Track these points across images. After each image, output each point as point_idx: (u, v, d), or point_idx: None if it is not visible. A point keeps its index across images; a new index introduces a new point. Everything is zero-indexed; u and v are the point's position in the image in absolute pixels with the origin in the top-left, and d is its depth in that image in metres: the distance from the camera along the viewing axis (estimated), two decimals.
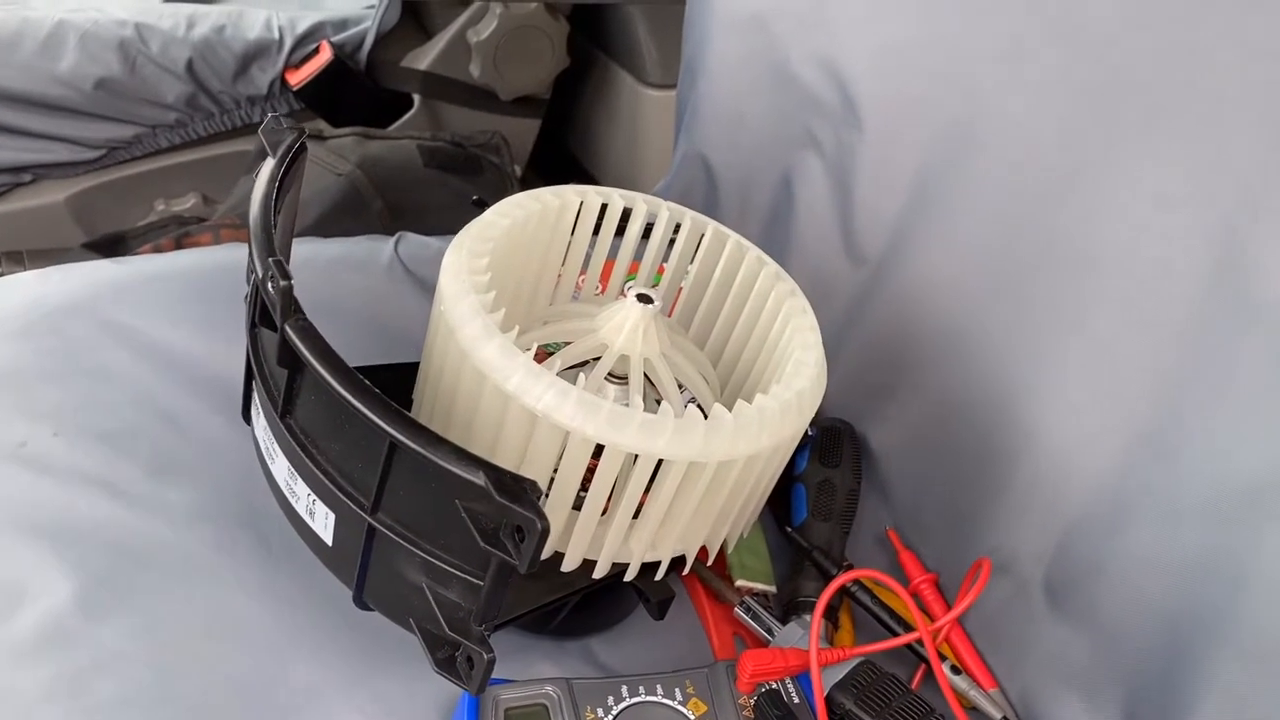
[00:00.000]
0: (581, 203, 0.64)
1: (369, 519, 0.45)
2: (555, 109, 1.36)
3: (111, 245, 1.10)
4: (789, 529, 0.69)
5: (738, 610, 0.64)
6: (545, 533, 0.40)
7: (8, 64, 1.06)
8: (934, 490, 0.69)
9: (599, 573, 0.54)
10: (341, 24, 1.21)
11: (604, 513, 0.52)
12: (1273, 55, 0.52)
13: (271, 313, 0.45)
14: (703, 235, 0.66)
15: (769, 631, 0.62)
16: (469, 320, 0.50)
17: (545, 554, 0.52)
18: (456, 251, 0.54)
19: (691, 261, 0.68)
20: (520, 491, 0.40)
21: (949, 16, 0.67)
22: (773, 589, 0.68)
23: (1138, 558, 0.56)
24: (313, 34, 1.19)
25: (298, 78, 1.17)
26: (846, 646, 0.59)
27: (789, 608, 0.66)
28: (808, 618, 0.63)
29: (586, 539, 0.52)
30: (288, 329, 0.44)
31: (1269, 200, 0.51)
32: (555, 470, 0.50)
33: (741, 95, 0.82)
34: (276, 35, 1.17)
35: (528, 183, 1.35)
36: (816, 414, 0.77)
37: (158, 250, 0.96)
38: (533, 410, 0.47)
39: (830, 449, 0.72)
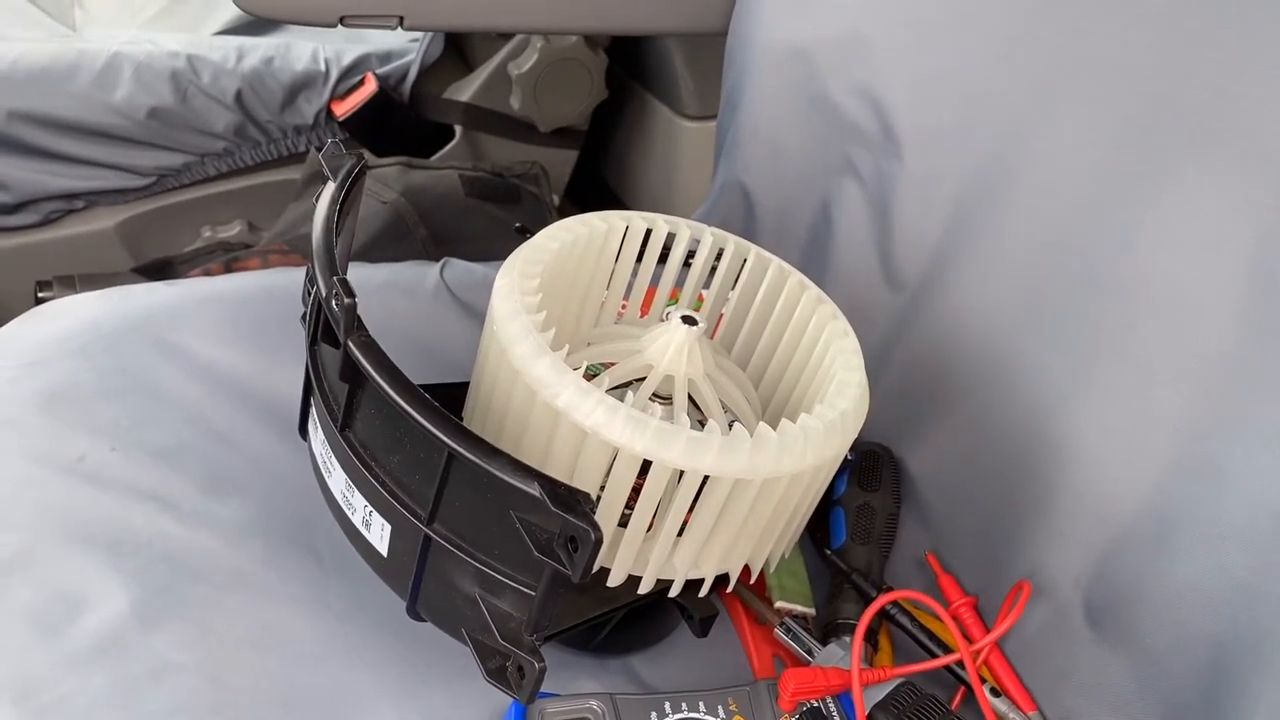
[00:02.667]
0: (627, 227, 0.65)
1: (425, 529, 0.46)
2: (592, 140, 1.38)
3: (160, 270, 1.13)
4: (828, 552, 0.70)
5: (778, 631, 0.64)
6: (598, 543, 0.41)
7: (64, 93, 1.09)
8: (973, 513, 0.70)
9: (644, 588, 0.54)
10: (386, 56, 1.24)
11: (649, 529, 0.53)
12: None
13: (335, 329, 0.46)
14: (745, 260, 0.68)
15: (809, 652, 0.63)
16: (521, 339, 0.51)
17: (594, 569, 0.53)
18: (509, 273, 0.56)
19: (734, 287, 0.69)
20: (574, 502, 0.41)
21: (988, 47, 0.69)
22: (812, 611, 0.69)
23: (1179, 581, 0.56)
24: (358, 66, 1.22)
25: (343, 108, 1.20)
26: (887, 667, 0.60)
27: (828, 630, 0.67)
28: (848, 639, 0.63)
29: (632, 555, 0.53)
30: (351, 344, 0.45)
31: None
32: (602, 487, 0.51)
33: (781, 124, 0.83)
34: (323, 67, 1.20)
35: (565, 212, 1.37)
36: (856, 438, 0.78)
37: (207, 274, 0.98)
38: (582, 426, 0.48)
39: (869, 473, 0.73)
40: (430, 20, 0.84)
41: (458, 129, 1.27)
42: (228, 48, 1.17)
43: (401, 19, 0.79)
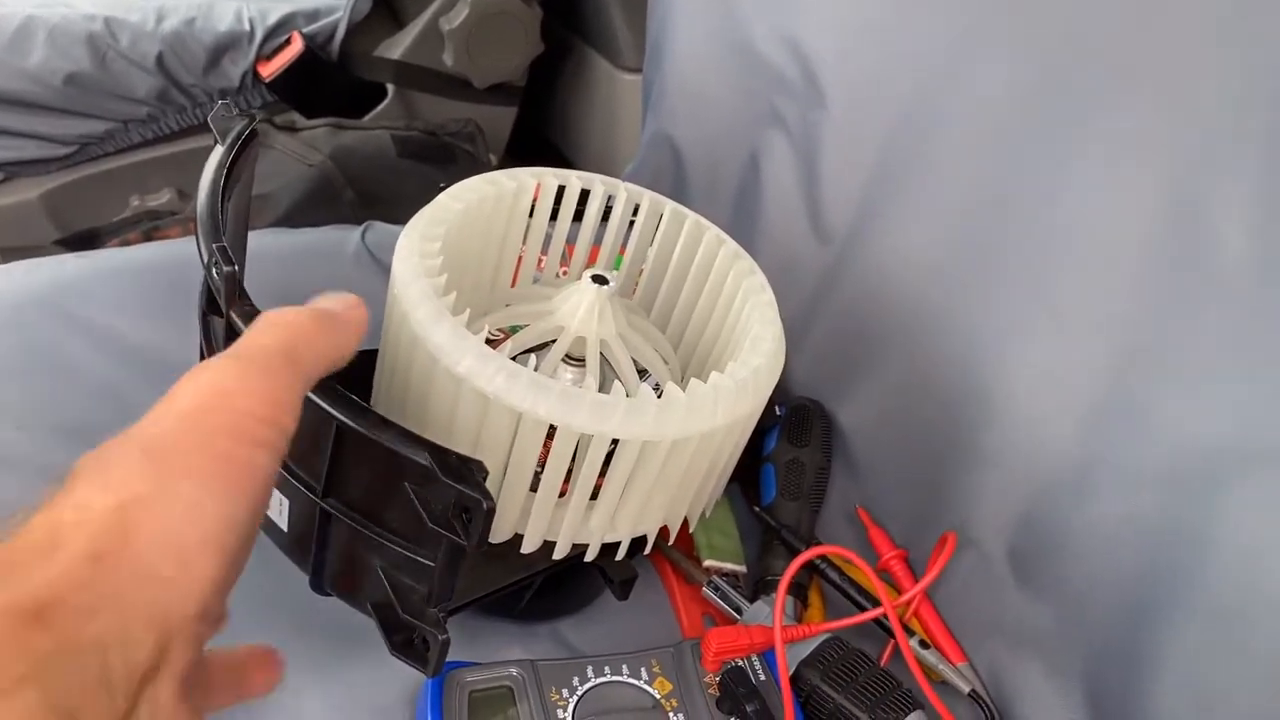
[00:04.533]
0: (538, 185, 0.63)
1: (320, 503, 0.45)
2: (532, 95, 1.35)
3: (85, 242, 1.10)
4: (757, 509, 0.69)
5: (706, 590, 0.64)
6: (491, 512, 0.40)
7: None
8: (902, 466, 0.69)
9: (558, 554, 0.53)
10: (313, 14, 1.21)
11: (562, 494, 0.52)
12: (1229, 21, 0.52)
13: (217, 299, 0.45)
14: (661, 215, 0.66)
15: (737, 610, 0.63)
16: (420, 304, 0.49)
17: (505, 536, 0.52)
18: (409, 235, 0.54)
19: (651, 243, 0.68)
20: (466, 472, 0.40)
21: None
22: (742, 569, 0.68)
23: (1100, 528, 0.56)
24: (284, 25, 1.19)
25: (269, 69, 1.17)
26: (812, 623, 0.59)
27: (759, 587, 0.66)
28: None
29: (545, 520, 0.52)
30: (233, 315, 0.44)
31: (1224, 168, 0.51)
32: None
33: (706, 74, 0.82)
34: (247, 27, 1.17)
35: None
36: (785, 393, 0.78)
37: (125, 244, 0.95)
38: (484, 392, 0.47)
39: (799, 428, 0.72)
40: None
41: (390, 88, 1.25)
42: (147, 9, 1.13)
43: None
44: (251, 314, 0.44)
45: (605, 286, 0.56)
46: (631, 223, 0.67)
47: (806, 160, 0.76)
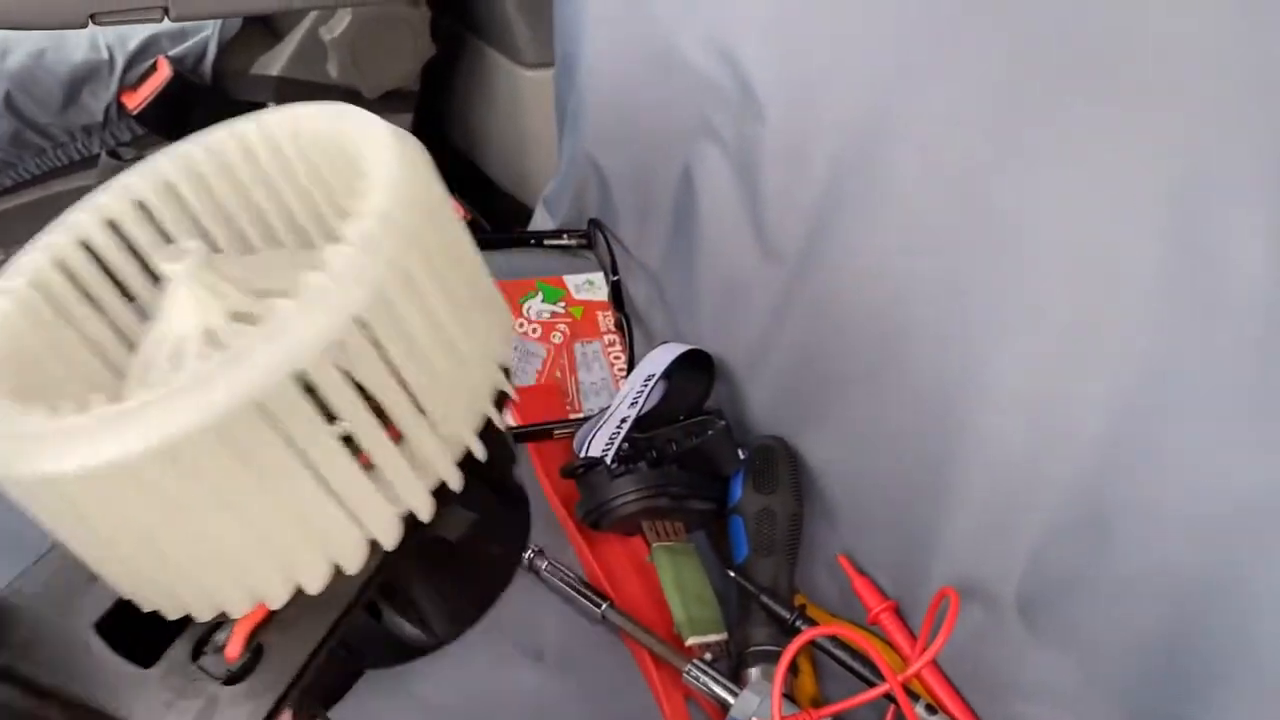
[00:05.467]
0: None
1: None
2: (429, 99, 1.26)
3: None
4: (731, 573, 0.63)
5: (687, 676, 0.58)
6: None
7: None
8: (883, 506, 0.64)
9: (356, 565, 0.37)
10: (180, 35, 1.09)
11: None
12: (1224, 22, 0.46)
13: None
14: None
15: (727, 693, 0.57)
16: None
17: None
18: None
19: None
20: None
21: None
22: (724, 636, 0.62)
23: (1120, 574, 0.51)
24: (147, 49, 1.07)
25: (135, 100, 1.05)
26: (811, 711, 0.53)
27: (741, 660, 0.61)
28: (764, 681, 0.57)
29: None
30: None
31: (1226, 175, 0.46)
32: None
33: (626, 87, 0.74)
34: (105, 55, 1.05)
35: None
36: (745, 431, 0.71)
37: None
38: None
39: (765, 472, 0.66)
40: (202, 7, 0.71)
41: (271, 107, 1.14)
42: None
43: (166, 9, 0.66)
44: None
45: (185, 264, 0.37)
46: None
47: (746, 175, 0.69)
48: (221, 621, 0.39)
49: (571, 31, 0.76)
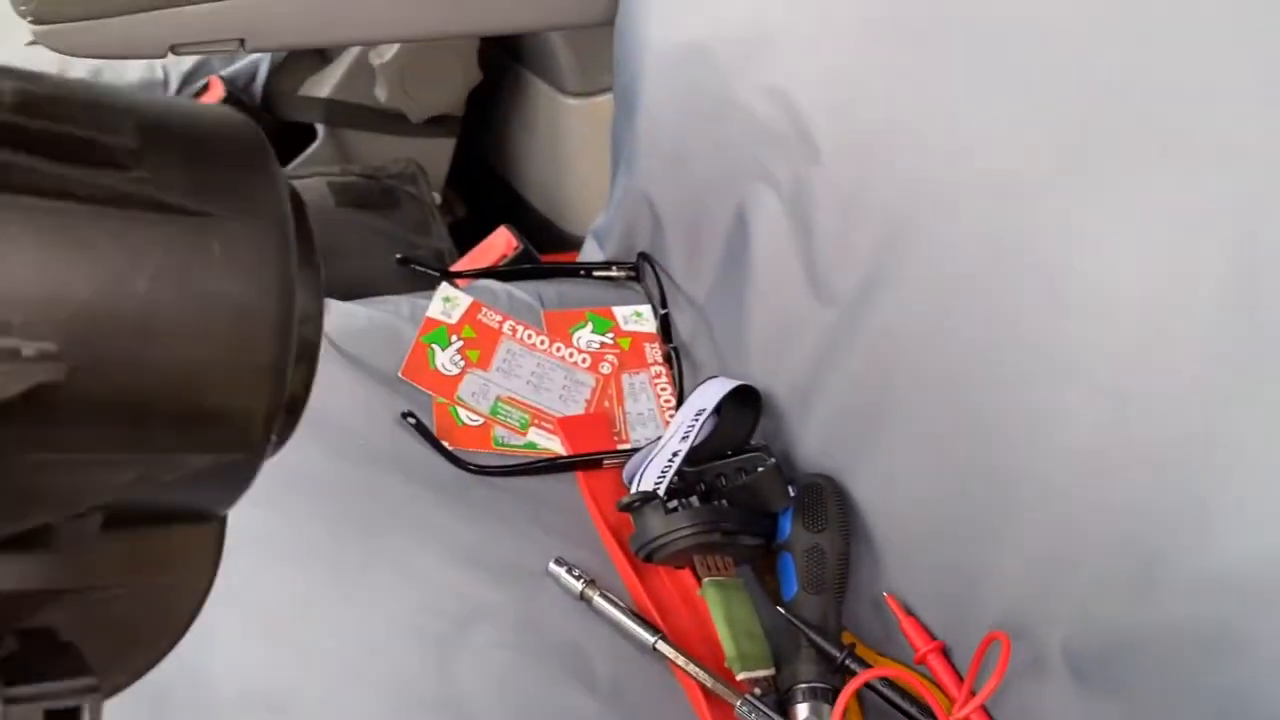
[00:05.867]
0: None
1: None
2: (472, 122, 1.28)
3: None
4: (780, 609, 0.64)
5: (739, 711, 0.59)
6: None
7: None
8: (931, 547, 0.65)
9: None
10: (232, 55, 1.12)
11: None
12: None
13: None
14: None
15: None
16: None
17: None
18: None
19: None
20: None
21: (914, 43, 0.62)
22: (772, 671, 0.64)
23: (1169, 628, 0.52)
24: (200, 69, 1.10)
25: None
26: None
27: (788, 695, 0.62)
28: (813, 718, 0.58)
29: None
30: None
31: None
32: None
33: (684, 129, 0.76)
34: (160, 74, 1.08)
35: (450, 206, 1.28)
36: (793, 468, 0.73)
37: None
38: None
39: (814, 510, 0.68)
40: (278, 39, 0.73)
41: (320, 128, 1.16)
42: (44, 63, 1.03)
43: (243, 41, 0.68)
44: None
45: None
46: None
47: (801, 218, 0.70)
48: None
49: (631, 69, 0.78)
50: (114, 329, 0.20)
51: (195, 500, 0.25)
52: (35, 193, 0.20)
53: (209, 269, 0.21)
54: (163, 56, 0.67)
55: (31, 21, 0.66)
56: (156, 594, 0.27)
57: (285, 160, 1.14)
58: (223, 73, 1.10)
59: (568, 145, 1.23)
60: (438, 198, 1.18)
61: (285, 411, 0.23)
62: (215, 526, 0.27)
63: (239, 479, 0.24)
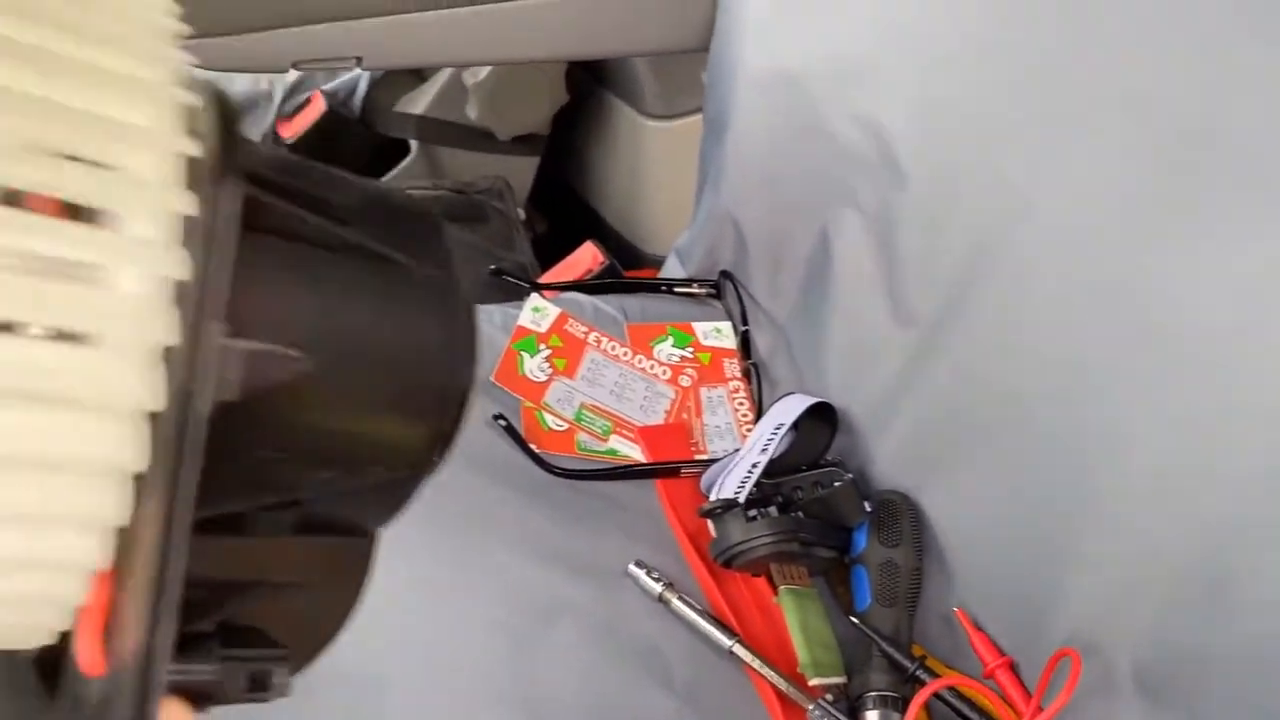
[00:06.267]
0: None
1: None
2: (554, 142, 1.32)
3: None
4: (854, 620, 0.66)
5: (811, 716, 0.61)
6: None
7: None
8: (1003, 565, 0.66)
9: None
10: (333, 71, 1.17)
11: None
12: None
13: None
14: None
15: None
16: None
17: None
18: None
19: None
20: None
21: (1005, 76, 0.64)
22: (844, 679, 0.66)
23: (1241, 649, 0.53)
24: (302, 83, 1.15)
25: (291, 130, 1.13)
26: None
27: (858, 703, 0.64)
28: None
29: None
30: None
31: None
32: None
33: (772, 153, 0.79)
34: (266, 86, 1.13)
35: (531, 222, 1.32)
36: (869, 484, 0.75)
37: None
38: None
39: (889, 526, 0.70)
40: (391, 59, 0.78)
41: (413, 144, 1.21)
42: None
43: (359, 59, 0.73)
44: None
45: None
46: None
47: (884, 242, 0.73)
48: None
49: (723, 93, 0.81)
50: (344, 345, 0.24)
51: (360, 514, 0.29)
52: (284, 234, 0.23)
53: (411, 306, 0.25)
54: (284, 71, 0.72)
55: None
56: (322, 597, 0.30)
57: (380, 173, 1.18)
58: (325, 87, 1.15)
59: (647, 166, 1.26)
60: (522, 213, 1.22)
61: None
62: (369, 543, 0.30)
63: (402, 496, 0.28)
